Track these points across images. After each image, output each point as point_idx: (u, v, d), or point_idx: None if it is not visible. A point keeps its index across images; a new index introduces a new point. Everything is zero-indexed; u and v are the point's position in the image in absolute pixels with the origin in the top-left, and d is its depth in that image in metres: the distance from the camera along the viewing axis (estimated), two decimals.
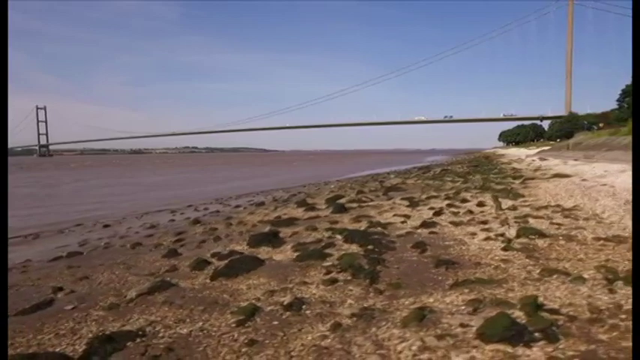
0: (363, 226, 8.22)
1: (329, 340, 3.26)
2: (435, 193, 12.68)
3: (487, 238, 6.16)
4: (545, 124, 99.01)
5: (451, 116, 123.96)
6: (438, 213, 8.75)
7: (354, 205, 11.33)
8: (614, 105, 59.89)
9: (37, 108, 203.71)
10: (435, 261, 5.14)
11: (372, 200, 12.30)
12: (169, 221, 12.10)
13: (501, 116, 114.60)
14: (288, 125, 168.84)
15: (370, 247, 6.12)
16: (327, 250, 6.09)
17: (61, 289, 5.26)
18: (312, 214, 10.41)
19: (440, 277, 4.63)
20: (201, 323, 3.76)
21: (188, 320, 3.86)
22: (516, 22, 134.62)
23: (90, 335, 3.59)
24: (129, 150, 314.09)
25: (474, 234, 6.57)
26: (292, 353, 3.09)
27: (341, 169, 44.90)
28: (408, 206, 10.35)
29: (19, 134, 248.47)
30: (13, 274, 6.47)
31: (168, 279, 5.15)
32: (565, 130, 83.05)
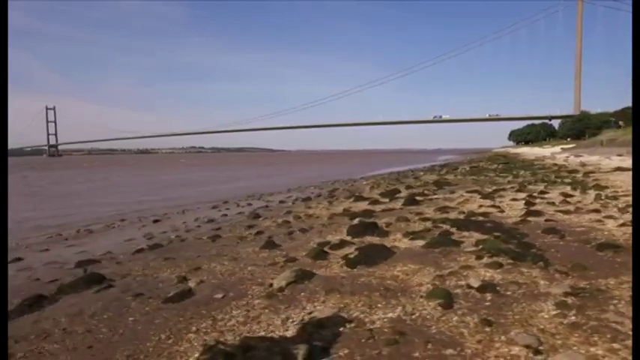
0: (452, 215, 8.00)
1: (572, 317, 3.02)
2: (495, 187, 12.45)
3: (622, 224, 5.92)
4: (553, 124, 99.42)
5: (440, 116, 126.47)
6: (530, 204, 8.50)
7: (420, 198, 11.06)
8: (624, 104, 59.92)
9: (47, 108, 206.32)
10: (595, 245, 4.90)
11: (433, 194, 12.06)
12: (222, 216, 11.80)
13: (487, 116, 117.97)
14: (293, 125, 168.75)
15: (497, 234, 5.87)
16: (453, 238, 5.83)
17: (185, 278, 4.98)
18: (382, 206, 10.16)
19: (617, 259, 4.39)
20: (400, 308, 3.50)
21: (382, 305, 3.60)
22: (519, 24, 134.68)
23: (293, 321, 3.33)
24: (135, 150, 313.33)
25: (599, 221, 6.36)
26: (540, 327, 2.85)
27: (357, 168, 44.62)
28: (482, 198, 10.12)
29: (29, 135, 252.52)
30: (110, 265, 6.20)
31: (308, 269, 4.88)
32: (577, 128, 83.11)
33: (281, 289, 4.32)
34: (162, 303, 4.17)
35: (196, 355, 2.86)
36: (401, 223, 7.60)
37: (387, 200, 11.39)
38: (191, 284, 4.73)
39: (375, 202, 11.15)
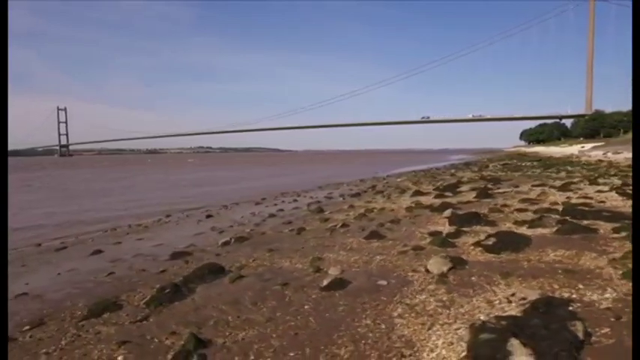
0: (545, 206, 7.79)
1: None
2: (564, 181, 12.26)
3: None
4: (564, 123, 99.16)
5: (428, 117, 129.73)
6: (625, 194, 8.30)
7: (490, 192, 10.85)
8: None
9: (58, 109, 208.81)
10: None
11: (497, 188, 11.84)
12: (279, 210, 11.60)
13: (470, 117, 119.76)
14: (300, 125, 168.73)
15: (627, 221, 5.66)
16: (583, 225, 5.63)
17: (319, 268, 4.79)
18: (454, 199, 9.98)
19: None
20: (610, 289, 3.33)
21: (583, 286, 3.43)
22: (528, 23, 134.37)
23: (501, 302, 3.16)
24: (144, 150, 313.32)
25: None
26: None
27: (373, 168, 44.34)
28: (558, 191, 9.92)
29: (35, 135, 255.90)
30: (209, 257, 6.01)
31: (460, 255, 4.69)
32: (590, 128, 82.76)
33: (444, 275, 4.12)
34: (323, 291, 3.97)
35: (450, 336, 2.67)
36: (498, 214, 7.41)
37: (450, 194, 11.18)
38: (333, 272, 4.53)
39: (440, 195, 10.96)
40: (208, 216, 11.78)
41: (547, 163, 24.03)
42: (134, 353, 2.96)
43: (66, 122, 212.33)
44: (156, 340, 3.17)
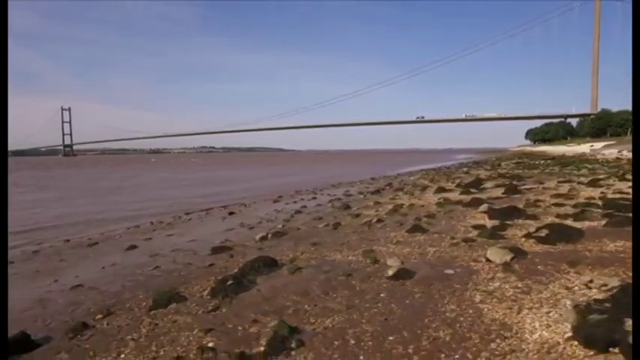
0: (582, 201, 7.82)
1: None
2: (592, 177, 12.28)
3: None
4: (568, 122, 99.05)
5: (423, 117, 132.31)
6: None
7: (518, 188, 10.87)
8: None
9: (62, 109, 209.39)
10: None
11: (522, 185, 11.87)
12: (302, 207, 11.63)
13: (463, 117, 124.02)
14: (303, 125, 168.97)
15: None
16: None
17: (376, 260, 4.83)
18: (482, 195, 9.97)
19: None
20: None
21: None
22: (526, 25, 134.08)
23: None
24: (147, 150, 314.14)
25: None
26: None
27: (382, 167, 44.37)
28: (587, 186, 9.94)
29: (43, 135, 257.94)
30: (251, 252, 6.05)
31: (516, 246, 4.72)
32: (597, 127, 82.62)
33: (508, 264, 4.16)
34: (391, 280, 4.02)
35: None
36: (535, 209, 7.45)
37: (476, 191, 11.21)
38: (394, 264, 4.56)
39: (466, 192, 10.99)
40: (230, 213, 11.82)
41: (562, 161, 24.01)
42: (223, 340, 3.00)
43: (70, 122, 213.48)
44: (240, 328, 3.21)
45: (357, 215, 8.84)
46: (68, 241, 9.48)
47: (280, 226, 8.52)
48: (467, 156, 72.11)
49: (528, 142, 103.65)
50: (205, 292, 4.21)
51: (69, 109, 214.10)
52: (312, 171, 41.62)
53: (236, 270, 4.81)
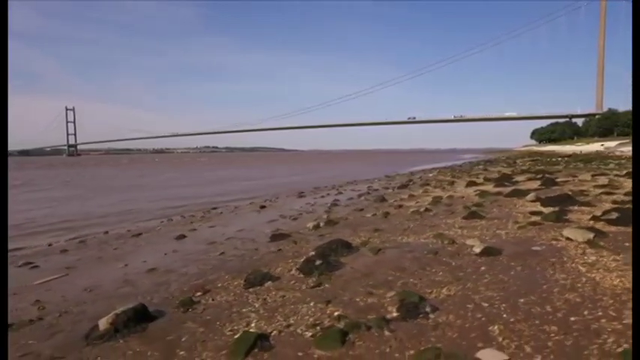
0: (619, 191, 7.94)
1: None
2: (619, 172, 12.41)
3: None
4: (575, 123, 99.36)
5: (414, 117, 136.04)
6: None
7: (556, 180, 10.98)
8: None
9: (67, 109, 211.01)
10: None
11: (556, 178, 11.98)
12: (335, 201, 11.73)
13: (452, 117, 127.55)
14: (306, 125, 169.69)
15: None
16: None
17: (454, 241, 4.96)
18: (520, 187, 10.08)
19: None
20: None
21: None
22: (529, 25, 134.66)
23: None
24: (151, 150, 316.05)
25: None
26: None
27: (391, 166, 44.46)
28: (625, 177, 10.05)
29: (48, 135, 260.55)
30: (311, 238, 6.15)
31: (590, 227, 4.84)
32: (604, 127, 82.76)
33: (591, 242, 4.30)
34: (482, 257, 4.13)
35: None
36: (584, 197, 7.60)
37: (509, 184, 11.33)
38: (472, 243, 4.68)
39: (500, 185, 11.11)
40: (262, 207, 11.92)
41: (582, 158, 24.18)
42: (349, 309, 3.10)
43: (74, 122, 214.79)
44: (357, 299, 3.31)
45: (400, 206, 8.95)
46: (107, 232, 9.60)
47: (325, 216, 8.62)
48: (473, 155, 72.22)
49: (534, 142, 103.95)
50: (293, 272, 4.32)
51: (73, 109, 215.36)
52: (321, 170, 41.73)
53: (313, 252, 4.91)
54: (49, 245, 8.51)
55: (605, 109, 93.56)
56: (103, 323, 3.16)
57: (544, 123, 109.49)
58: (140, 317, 3.27)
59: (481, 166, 25.43)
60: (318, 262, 4.40)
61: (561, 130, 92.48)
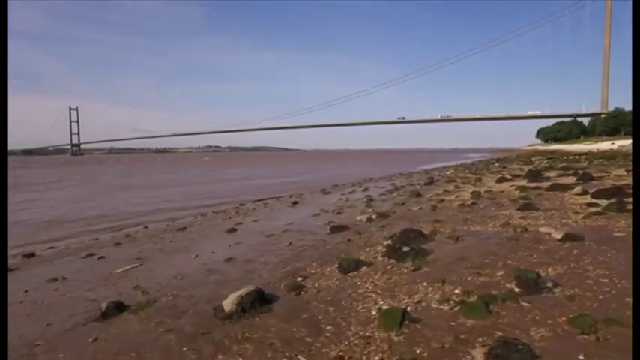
0: None
1: None
2: None
3: None
4: (581, 122, 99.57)
5: (404, 117, 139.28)
6: None
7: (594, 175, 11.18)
8: None
9: (70, 108, 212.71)
10: None
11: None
12: (367, 197, 11.91)
13: (439, 117, 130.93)
14: (308, 124, 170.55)
15: None
16: None
17: (525, 229, 5.14)
18: (558, 182, 10.28)
19: None
20: None
21: None
22: (533, 25, 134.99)
23: None
24: (153, 149, 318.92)
25: None
26: None
27: (401, 165, 44.68)
28: None
29: (49, 135, 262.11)
30: (371, 229, 6.37)
31: None
32: (610, 126, 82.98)
33: None
34: (563, 242, 4.34)
35: None
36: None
37: (541, 179, 11.55)
38: (547, 230, 4.88)
39: (534, 180, 11.33)
40: (294, 203, 12.13)
41: (601, 156, 24.42)
42: (469, 287, 3.28)
43: (77, 122, 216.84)
44: (469, 279, 3.51)
45: (441, 200, 9.16)
46: (147, 227, 9.82)
47: (369, 210, 8.82)
48: (479, 155, 72.53)
49: (539, 141, 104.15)
50: (380, 259, 4.52)
51: (76, 109, 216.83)
52: (330, 169, 41.98)
53: (389, 241, 5.11)
54: (96, 239, 8.73)
55: (610, 109, 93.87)
56: (228, 304, 3.36)
57: (543, 123, 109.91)
58: (261, 299, 3.47)
59: (497, 165, 25.65)
60: (405, 249, 4.60)
61: (567, 130, 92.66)
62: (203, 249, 6.26)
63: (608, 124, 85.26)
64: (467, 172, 20.58)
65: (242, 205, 13.65)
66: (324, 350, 2.53)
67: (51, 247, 8.02)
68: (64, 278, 5.13)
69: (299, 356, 2.48)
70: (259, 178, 30.55)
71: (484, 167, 23.98)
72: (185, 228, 8.87)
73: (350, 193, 13.99)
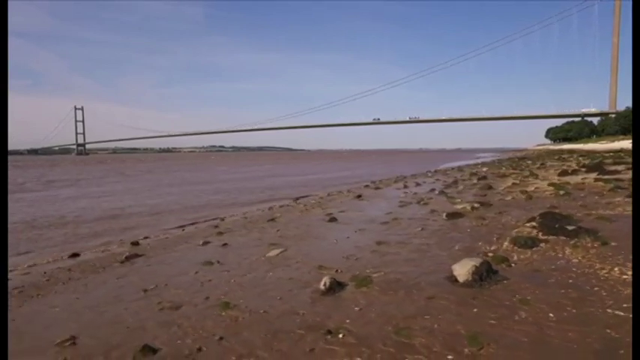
0: None
1: None
2: None
3: None
4: (591, 121, 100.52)
5: (378, 118, 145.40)
6: None
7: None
8: None
9: (75, 108, 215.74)
10: None
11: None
12: (430, 190, 12.24)
13: (407, 119, 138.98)
14: (312, 124, 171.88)
15: None
16: None
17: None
18: (622, 176, 10.63)
19: None
20: None
21: None
22: (540, 24, 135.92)
23: None
24: (158, 149, 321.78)
25: None
26: None
27: (417, 164, 45.08)
28: None
29: (55, 134, 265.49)
30: (488, 215, 6.67)
31: None
32: (622, 125, 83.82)
33: None
34: None
35: None
36: None
37: (607, 174, 11.91)
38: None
39: (604, 173, 11.70)
40: (358, 196, 12.35)
41: (611, 156, 24.88)
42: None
43: (83, 121, 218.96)
44: None
45: (524, 192, 9.47)
46: (223, 219, 10.09)
47: (458, 200, 9.14)
48: (490, 154, 73.06)
49: (547, 141, 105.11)
50: (547, 237, 4.84)
51: (82, 109, 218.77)
52: (349, 167, 42.50)
53: (533, 223, 5.45)
54: (182, 229, 9.04)
55: (619, 108, 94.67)
56: (464, 274, 3.67)
57: (545, 123, 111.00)
58: (489, 271, 3.76)
59: (529, 161, 26.07)
60: (570, 228, 4.93)
61: (578, 129, 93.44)
62: (332, 236, 6.42)
63: (620, 124, 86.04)
64: (503, 168, 20.93)
65: (298, 198, 13.94)
66: None
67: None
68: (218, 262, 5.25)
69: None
70: (292, 175, 31.07)
71: (516, 165, 24.37)
72: (274, 219, 9.06)
73: (405, 187, 14.27)
